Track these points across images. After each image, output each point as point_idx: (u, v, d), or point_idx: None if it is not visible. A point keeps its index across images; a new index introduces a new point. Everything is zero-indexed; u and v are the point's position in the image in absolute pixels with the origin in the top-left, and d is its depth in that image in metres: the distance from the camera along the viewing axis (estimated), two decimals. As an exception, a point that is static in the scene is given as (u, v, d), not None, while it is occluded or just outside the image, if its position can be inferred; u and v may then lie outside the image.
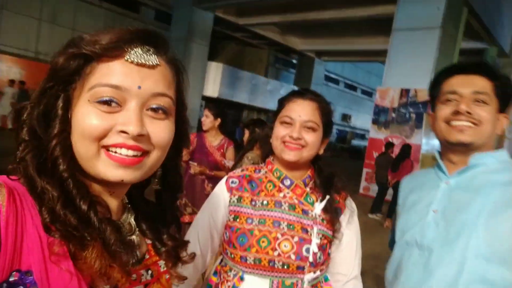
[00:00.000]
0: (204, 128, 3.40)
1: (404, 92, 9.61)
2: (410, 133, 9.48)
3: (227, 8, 14.51)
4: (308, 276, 1.12)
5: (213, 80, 16.22)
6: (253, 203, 1.17)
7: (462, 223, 1.01)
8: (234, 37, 18.27)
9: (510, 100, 1.10)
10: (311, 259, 1.10)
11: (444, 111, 1.10)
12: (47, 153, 0.54)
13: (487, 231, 0.97)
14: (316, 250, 1.11)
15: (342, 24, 13.95)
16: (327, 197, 1.15)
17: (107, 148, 0.54)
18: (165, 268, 0.70)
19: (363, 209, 7.65)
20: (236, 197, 1.19)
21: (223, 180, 1.26)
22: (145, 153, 0.57)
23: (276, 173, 1.22)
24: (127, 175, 0.55)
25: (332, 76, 24.87)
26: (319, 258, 1.13)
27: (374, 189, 10.00)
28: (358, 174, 10.32)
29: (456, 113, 1.06)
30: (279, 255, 1.09)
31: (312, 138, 1.16)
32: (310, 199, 1.19)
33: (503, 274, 0.93)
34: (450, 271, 0.99)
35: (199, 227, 1.24)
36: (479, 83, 1.07)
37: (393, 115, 9.82)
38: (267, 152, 1.30)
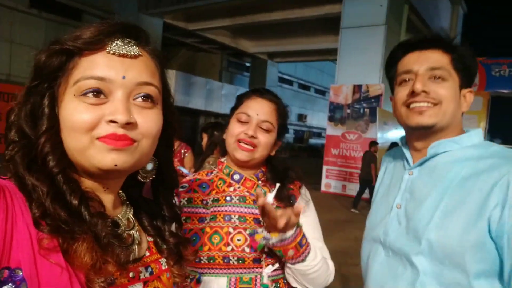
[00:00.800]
0: None
1: (357, 88, 9.89)
2: (365, 127, 9.77)
3: (176, 14, 14.27)
4: (267, 270, 1.08)
5: (167, 88, 15.86)
6: (205, 202, 1.14)
7: (418, 221, 0.92)
8: (185, 43, 18.03)
9: (472, 72, 0.99)
10: (265, 249, 1.06)
11: (402, 93, 0.99)
12: (36, 151, 0.54)
13: (439, 231, 0.87)
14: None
15: (292, 24, 14.18)
16: (278, 185, 1.10)
17: (99, 139, 0.55)
18: (166, 266, 0.70)
19: (327, 206, 7.73)
20: (186, 199, 1.16)
21: None
22: (135, 142, 0.57)
23: (226, 170, 1.20)
24: (119, 158, 0.55)
25: (286, 77, 25.24)
26: None
27: (335, 186, 10.18)
28: (318, 173, 10.47)
29: (413, 93, 0.95)
30: (232, 249, 1.06)
31: (265, 140, 1.14)
32: (261, 190, 1.15)
33: (456, 278, 0.84)
34: (409, 273, 0.91)
35: None
36: (434, 58, 0.96)
37: (348, 111, 10.08)
38: (223, 153, 1.26)
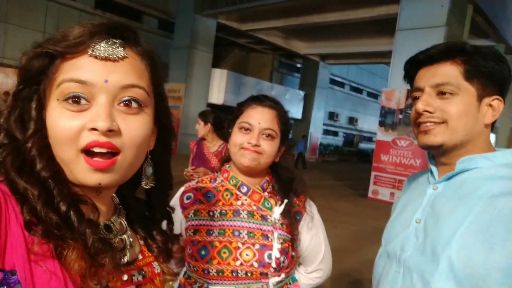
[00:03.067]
0: (198, 135, 3.43)
1: (410, 93, 9.45)
2: (418, 134, 9.32)
3: (229, 15, 14.54)
4: (273, 280, 1.12)
5: (218, 87, 16.19)
6: (211, 213, 1.16)
7: (437, 237, 0.85)
8: (238, 43, 18.30)
9: (498, 77, 0.88)
10: (274, 264, 1.10)
11: (412, 112, 0.94)
12: (25, 154, 0.53)
13: (461, 251, 0.80)
14: (278, 255, 1.11)
15: (345, 26, 13.88)
16: (285, 201, 1.13)
17: (85, 152, 0.53)
18: (159, 270, 0.69)
19: (374, 214, 7.48)
20: (192, 211, 1.17)
21: (178, 195, 1.24)
22: (118, 153, 0.54)
23: (232, 180, 1.20)
24: (104, 178, 0.54)
25: (337, 79, 24.75)
26: (283, 262, 1.13)
27: (383, 193, 9.82)
28: (366, 178, 10.17)
29: (417, 113, 0.91)
30: (241, 264, 1.09)
31: (269, 147, 1.15)
32: (268, 203, 1.18)
33: None
34: None
35: None
36: (441, 72, 0.89)
37: (400, 116, 9.67)
38: (227, 158, 1.28)
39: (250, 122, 1.15)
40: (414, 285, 0.87)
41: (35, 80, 0.55)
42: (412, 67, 0.98)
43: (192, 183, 1.26)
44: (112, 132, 0.53)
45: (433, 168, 0.98)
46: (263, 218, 1.15)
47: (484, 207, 0.81)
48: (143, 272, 0.65)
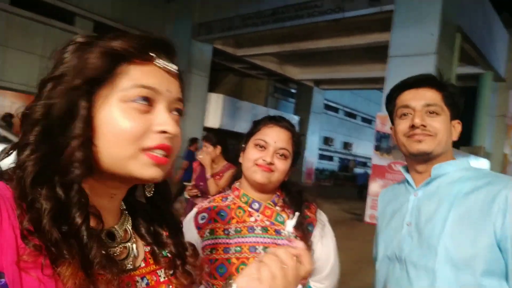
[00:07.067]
0: (206, 159, 3.43)
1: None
2: (413, 158, 9.39)
3: (225, 40, 14.81)
4: None
5: (214, 111, 16.29)
6: (226, 232, 1.18)
7: (430, 233, 1.05)
8: (233, 68, 18.57)
9: (459, 107, 1.16)
10: None
11: (402, 126, 1.15)
12: (60, 156, 0.51)
13: (452, 239, 1.01)
14: None
15: (339, 52, 14.19)
16: (297, 214, 1.13)
17: (147, 150, 0.55)
18: (165, 278, 0.66)
19: (370, 240, 7.42)
20: (208, 230, 1.19)
21: (192, 216, 1.25)
22: (169, 155, 0.58)
23: (244, 198, 1.23)
24: (158, 173, 0.57)
25: (332, 104, 25.09)
26: None
27: (379, 217, 9.78)
28: (362, 203, 10.14)
29: (412, 126, 1.11)
30: None
31: (282, 166, 1.19)
32: (280, 218, 1.21)
33: (470, 280, 0.97)
34: (426, 282, 1.03)
35: None
36: (429, 96, 1.12)
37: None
38: (236, 175, 1.32)
39: (266, 140, 1.19)
40: (419, 275, 1.05)
41: (97, 78, 0.54)
42: (399, 89, 1.19)
43: (205, 203, 1.29)
44: (175, 137, 0.58)
45: (409, 178, 1.20)
46: (277, 232, 1.17)
47: (461, 202, 1.04)
48: (146, 280, 0.63)
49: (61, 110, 0.53)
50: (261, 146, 1.19)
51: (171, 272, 0.67)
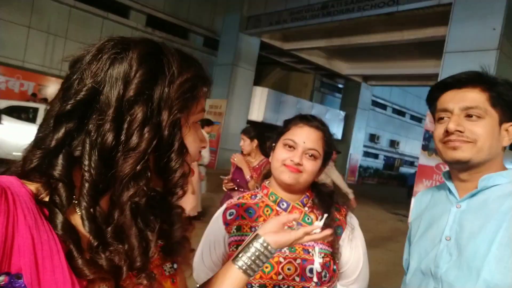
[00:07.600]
0: (244, 152, 3.54)
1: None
2: (465, 160, 8.91)
3: (273, 34, 14.80)
4: None
5: (258, 105, 16.37)
6: (253, 229, 1.17)
7: (472, 253, 0.93)
8: (280, 62, 18.52)
9: None
10: (315, 279, 1.11)
11: (438, 130, 1.05)
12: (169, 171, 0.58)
13: (499, 264, 0.88)
14: (319, 269, 1.11)
15: (389, 48, 13.68)
16: (325, 215, 1.11)
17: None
18: (170, 272, 0.68)
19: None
20: (235, 227, 1.19)
21: (221, 212, 1.26)
22: None
23: (272, 196, 1.21)
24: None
25: (380, 101, 24.26)
26: (324, 276, 1.13)
27: (425, 219, 9.40)
28: (407, 203, 9.80)
29: (447, 132, 1.00)
30: (283, 278, 1.10)
31: (311, 166, 1.16)
32: (308, 218, 1.19)
33: None
34: None
35: (200, 271, 1.26)
36: (470, 97, 0.99)
37: (446, 141, 9.32)
38: (266, 174, 1.31)
39: (295, 140, 1.17)
40: None
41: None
42: (439, 89, 1.07)
43: (234, 200, 1.29)
44: None
45: (451, 187, 1.07)
46: None
47: (511, 222, 0.90)
48: (153, 274, 0.65)
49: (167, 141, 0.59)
50: (290, 146, 1.17)
51: (175, 266, 0.69)
